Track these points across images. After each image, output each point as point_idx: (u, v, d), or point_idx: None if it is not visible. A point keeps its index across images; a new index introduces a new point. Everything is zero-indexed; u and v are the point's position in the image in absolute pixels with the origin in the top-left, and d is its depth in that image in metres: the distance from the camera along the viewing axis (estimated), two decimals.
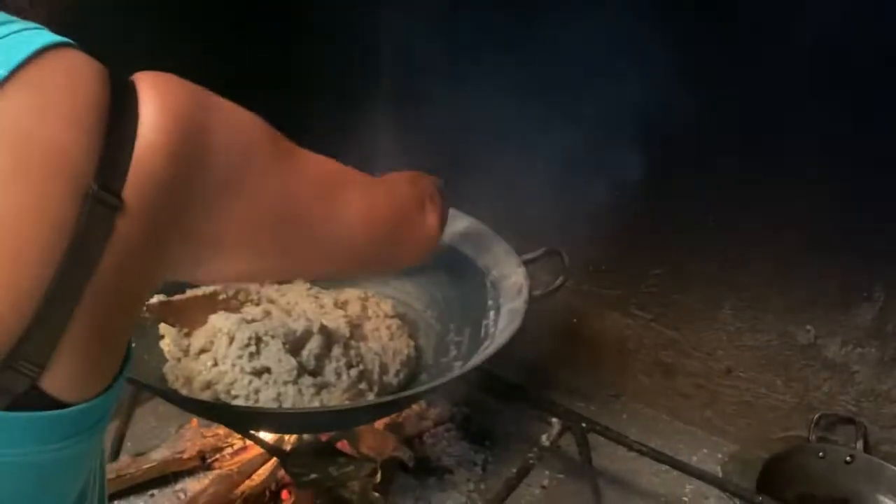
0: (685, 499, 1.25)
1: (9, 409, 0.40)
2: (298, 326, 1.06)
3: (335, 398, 1.01)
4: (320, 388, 1.02)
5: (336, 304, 1.21)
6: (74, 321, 0.41)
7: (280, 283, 1.24)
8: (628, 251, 1.37)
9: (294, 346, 1.05)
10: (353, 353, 1.09)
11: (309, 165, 0.60)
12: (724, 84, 1.18)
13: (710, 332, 1.34)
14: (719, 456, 1.36)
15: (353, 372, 1.05)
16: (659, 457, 1.08)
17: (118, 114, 0.42)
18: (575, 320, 1.51)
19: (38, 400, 0.41)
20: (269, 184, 0.54)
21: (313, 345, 1.05)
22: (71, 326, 0.41)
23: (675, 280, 1.35)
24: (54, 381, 0.42)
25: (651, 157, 1.21)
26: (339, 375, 1.05)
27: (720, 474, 1.27)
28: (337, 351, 1.08)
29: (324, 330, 1.07)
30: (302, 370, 1.03)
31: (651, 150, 1.21)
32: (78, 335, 0.41)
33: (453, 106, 1.39)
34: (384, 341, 1.16)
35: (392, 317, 1.23)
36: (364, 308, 1.22)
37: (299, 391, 1.01)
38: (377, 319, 1.20)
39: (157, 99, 0.44)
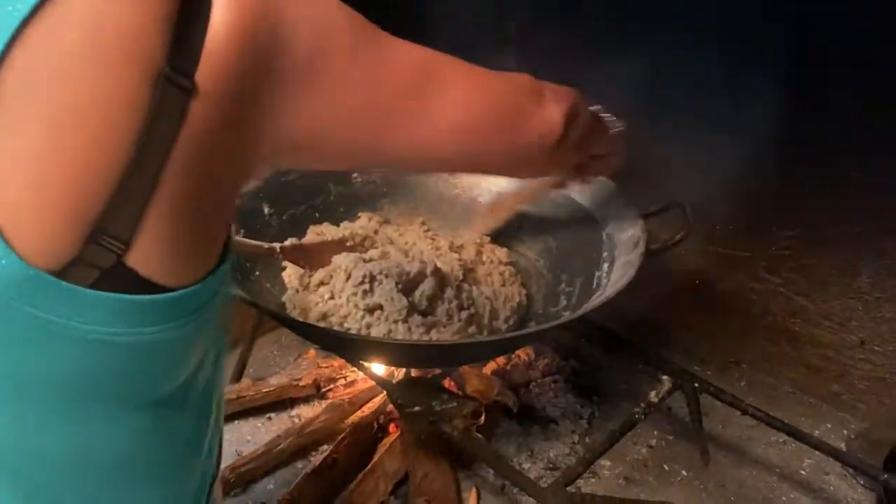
0: (802, 472, 1.19)
1: (98, 285, 0.42)
2: (412, 268, 1.08)
3: (444, 338, 1.02)
4: (430, 327, 1.04)
5: (451, 248, 1.22)
6: (155, 200, 0.42)
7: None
8: (761, 210, 1.29)
9: (407, 286, 1.07)
10: (464, 295, 1.10)
11: (399, 53, 0.54)
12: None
13: (845, 300, 1.25)
14: (845, 433, 1.28)
15: (464, 314, 1.07)
16: (774, 423, 1.02)
17: None
18: (697, 281, 1.45)
19: (128, 278, 0.43)
20: (352, 73, 0.50)
21: (426, 286, 1.07)
22: (152, 205, 0.42)
23: (810, 243, 1.26)
24: (141, 260, 0.43)
25: (788, 105, 1.13)
26: (449, 317, 1.07)
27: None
28: (449, 293, 1.09)
29: (437, 272, 1.09)
30: (413, 310, 1.05)
31: (787, 96, 1.13)
32: (160, 214, 0.42)
33: (576, 49, 1.35)
34: (496, 287, 1.16)
35: (506, 264, 1.23)
36: (479, 253, 1.23)
37: (409, 329, 1.03)
38: (491, 265, 1.21)
39: None
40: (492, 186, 1.34)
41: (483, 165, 0.75)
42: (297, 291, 1.12)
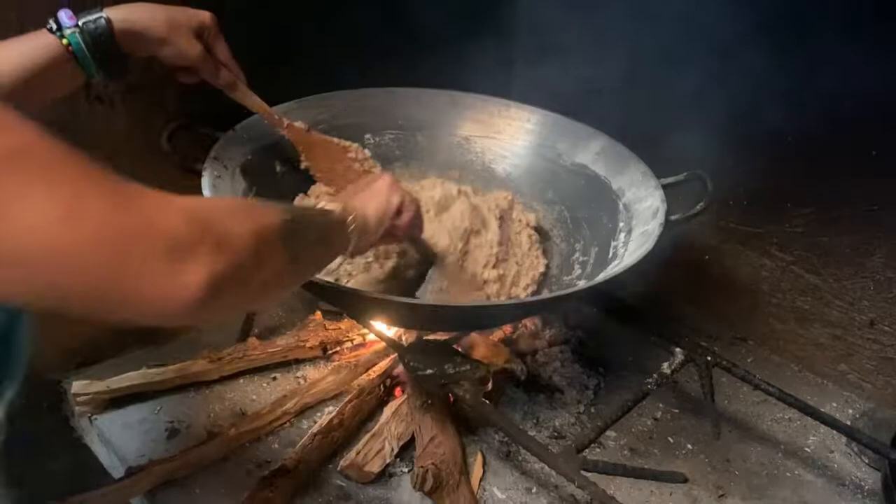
0: (807, 449, 1.19)
1: None
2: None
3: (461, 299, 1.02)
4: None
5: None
6: None
7: None
8: (775, 186, 1.28)
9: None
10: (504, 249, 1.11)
11: None
12: None
13: (856, 280, 1.25)
14: (850, 412, 1.28)
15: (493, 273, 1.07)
16: (786, 398, 1.02)
17: None
18: (707, 257, 1.44)
19: None
20: None
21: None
22: None
23: (824, 221, 1.25)
24: None
25: (806, 82, 1.11)
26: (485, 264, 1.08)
27: None
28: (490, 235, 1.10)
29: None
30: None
31: (806, 73, 1.11)
32: None
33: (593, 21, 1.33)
34: (524, 250, 1.15)
35: (534, 228, 1.21)
36: (510, 208, 1.22)
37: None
38: (520, 224, 1.19)
39: None
40: (504, 151, 1.32)
41: (81, 311, 0.49)
42: None
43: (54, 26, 0.83)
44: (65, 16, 0.83)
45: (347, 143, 1.20)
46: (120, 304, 0.47)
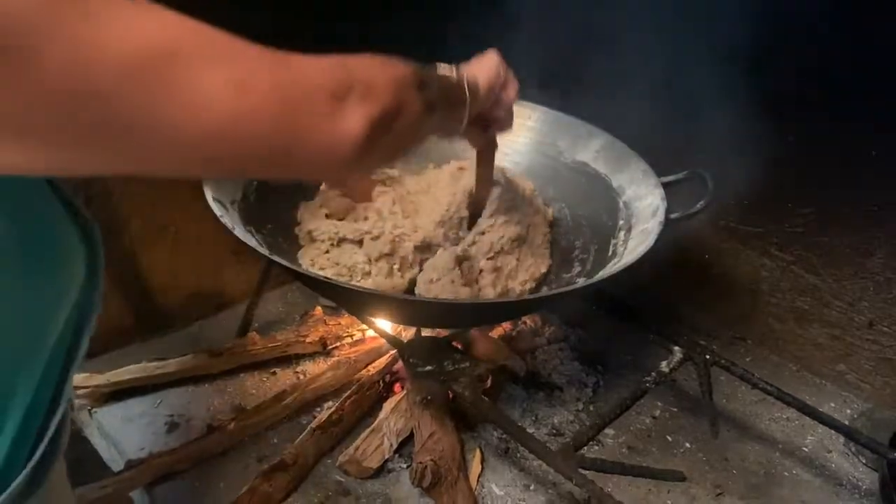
0: (805, 449, 1.19)
1: None
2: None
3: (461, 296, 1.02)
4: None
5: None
6: None
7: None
8: (775, 185, 1.28)
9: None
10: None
11: (129, 28, 0.41)
12: None
13: (856, 280, 1.25)
14: (848, 412, 1.28)
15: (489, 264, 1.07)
16: (784, 398, 1.02)
17: None
18: (706, 256, 1.44)
19: None
20: (59, 49, 0.38)
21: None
22: None
23: (824, 221, 1.25)
24: None
25: (808, 80, 1.11)
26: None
27: None
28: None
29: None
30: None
31: (807, 70, 1.11)
32: None
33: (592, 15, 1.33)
34: (535, 245, 1.15)
35: (550, 224, 1.21)
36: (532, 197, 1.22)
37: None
38: (537, 216, 1.19)
39: None
40: (504, 148, 1.32)
41: (256, 173, 0.62)
42: (310, 244, 1.10)
43: None
44: None
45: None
46: (296, 160, 0.51)
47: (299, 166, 0.53)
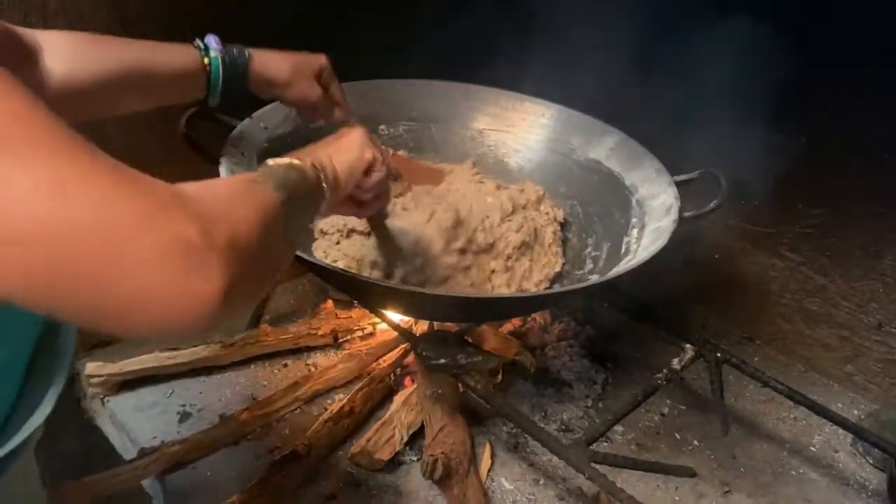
0: (812, 448, 1.20)
1: None
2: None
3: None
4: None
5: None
6: None
7: None
8: (787, 187, 1.28)
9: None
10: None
11: None
12: None
13: (865, 281, 1.25)
14: (855, 412, 1.29)
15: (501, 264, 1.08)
16: (795, 396, 1.03)
17: None
18: (717, 256, 1.45)
19: None
20: None
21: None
22: None
23: (835, 222, 1.26)
24: None
25: (821, 82, 1.11)
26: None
27: None
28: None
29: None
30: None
31: (821, 73, 1.11)
32: None
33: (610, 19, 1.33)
34: (546, 245, 1.16)
35: (561, 224, 1.22)
36: (539, 201, 1.23)
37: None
38: (547, 218, 1.20)
39: None
40: (517, 145, 1.33)
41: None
42: (323, 237, 1.11)
43: (202, 45, 0.89)
44: (213, 40, 0.90)
45: (443, 166, 1.24)
46: (116, 308, 0.40)
47: (121, 320, 0.41)
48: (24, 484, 0.60)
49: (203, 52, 0.88)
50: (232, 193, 0.50)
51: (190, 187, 0.46)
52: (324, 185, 0.69)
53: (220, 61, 0.89)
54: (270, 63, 0.94)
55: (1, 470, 0.54)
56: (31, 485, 0.64)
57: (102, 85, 0.78)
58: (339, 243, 1.12)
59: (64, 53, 0.75)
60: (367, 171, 0.81)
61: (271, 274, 0.54)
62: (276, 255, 0.54)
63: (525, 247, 1.12)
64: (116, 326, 0.41)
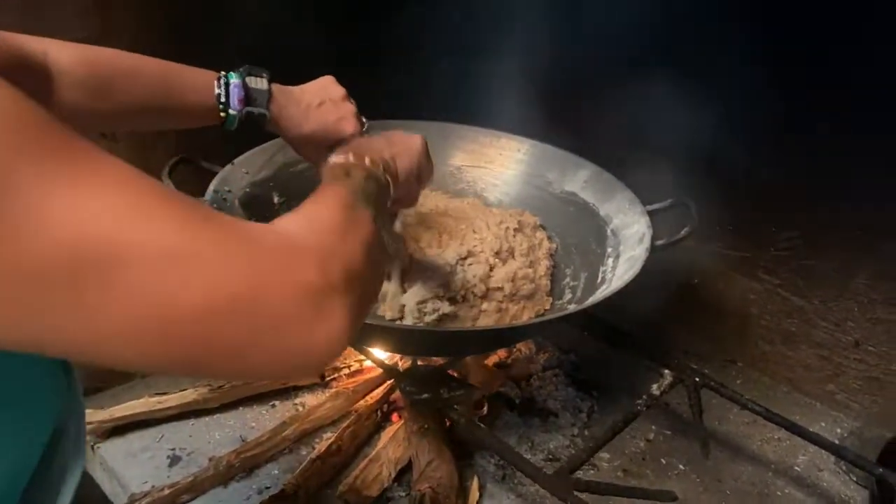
0: (797, 469, 1.21)
1: None
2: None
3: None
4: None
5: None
6: None
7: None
8: (761, 211, 1.32)
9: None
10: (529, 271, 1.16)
11: (52, 220, 0.34)
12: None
13: (841, 301, 1.28)
14: (838, 431, 1.30)
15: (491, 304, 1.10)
16: (773, 418, 1.05)
17: None
18: (696, 281, 1.47)
19: None
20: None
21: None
22: None
23: (810, 245, 1.29)
24: None
25: (790, 107, 1.15)
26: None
27: None
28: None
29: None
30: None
31: (789, 98, 1.15)
32: None
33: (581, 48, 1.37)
34: (537, 277, 1.18)
35: (552, 257, 1.25)
36: (534, 231, 1.26)
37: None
38: (540, 251, 1.22)
39: None
40: (495, 180, 1.36)
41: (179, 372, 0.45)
42: None
43: (223, 97, 0.85)
44: (236, 98, 0.85)
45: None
46: (257, 366, 0.42)
47: (262, 372, 0.46)
48: None
49: (221, 106, 0.85)
50: (335, 224, 0.51)
51: (292, 225, 0.47)
52: (391, 189, 0.72)
53: (235, 119, 0.87)
54: (289, 130, 0.91)
55: None
56: None
57: (112, 118, 0.79)
58: None
59: (75, 91, 0.73)
60: (418, 178, 0.83)
61: (379, 287, 0.60)
62: (380, 269, 0.57)
63: (523, 297, 1.14)
64: (252, 378, 0.46)
